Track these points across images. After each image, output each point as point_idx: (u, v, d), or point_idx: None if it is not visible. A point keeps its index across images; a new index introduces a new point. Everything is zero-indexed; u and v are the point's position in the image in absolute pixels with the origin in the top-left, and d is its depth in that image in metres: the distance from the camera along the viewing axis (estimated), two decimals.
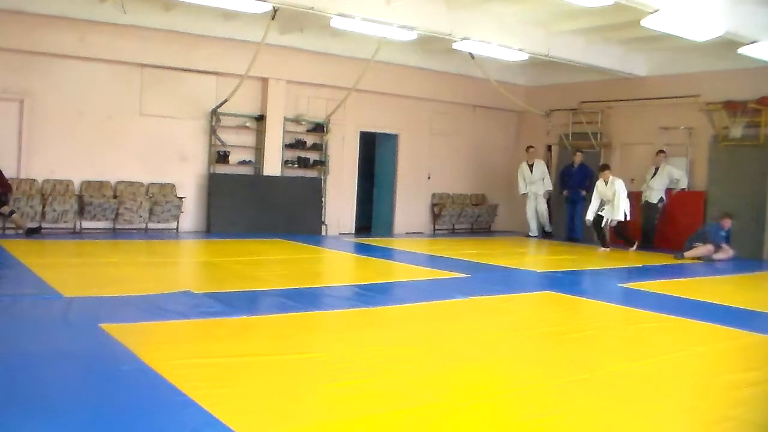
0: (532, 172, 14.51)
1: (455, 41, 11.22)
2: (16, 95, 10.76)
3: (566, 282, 8.65)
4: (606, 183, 12.34)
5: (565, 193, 14.02)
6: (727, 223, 11.49)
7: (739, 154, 12.27)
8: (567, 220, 14.12)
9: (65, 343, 4.43)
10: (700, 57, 12.25)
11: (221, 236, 11.69)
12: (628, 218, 12.10)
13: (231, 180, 12.63)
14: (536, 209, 14.61)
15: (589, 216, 12.31)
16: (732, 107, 12.36)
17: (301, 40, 12.48)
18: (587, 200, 13.83)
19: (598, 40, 12.38)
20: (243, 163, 12.89)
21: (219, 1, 9.45)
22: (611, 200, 12.00)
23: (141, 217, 11.51)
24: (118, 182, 11.68)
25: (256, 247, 10.63)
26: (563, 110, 15.05)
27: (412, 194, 15.09)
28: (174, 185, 12.19)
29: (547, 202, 15.00)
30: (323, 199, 13.65)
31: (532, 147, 14.64)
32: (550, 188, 14.67)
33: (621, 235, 12.29)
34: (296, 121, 13.38)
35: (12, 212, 10.22)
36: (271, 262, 9.21)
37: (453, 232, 15.62)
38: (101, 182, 11.51)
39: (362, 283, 7.57)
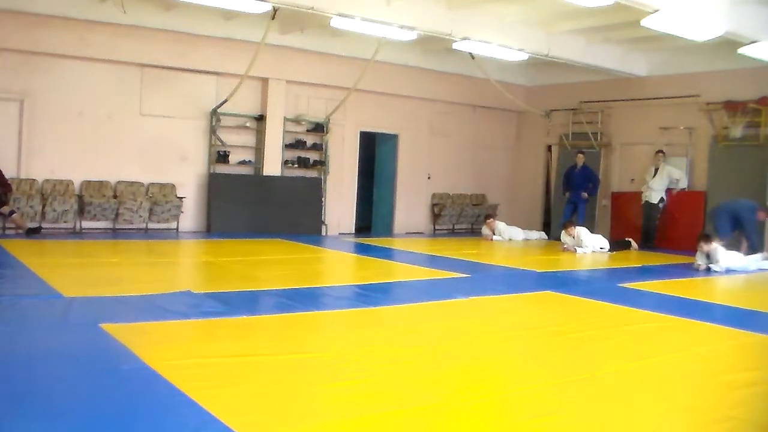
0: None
1: (455, 41, 11.22)
2: (16, 95, 10.77)
3: (566, 282, 8.64)
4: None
5: (567, 194, 13.98)
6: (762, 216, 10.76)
7: (739, 154, 12.28)
8: (563, 220, 14.06)
9: (65, 343, 4.42)
10: (700, 57, 12.25)
11: (221, 236, 11.69)
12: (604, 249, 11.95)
13: (231, 180, 12.63)
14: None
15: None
16: (732, 107, 12.37)
17: (301, 40, 12.49)
18: (588, 202, 13.86)
19: (598, 40, 12.38)
20: (243, 163, 12.89)
21: (219, 1, 9.45)
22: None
23: (141, 217, 11.51)
24: (118, 182, 11.68)
25: (256, 247, 10.63)
26: (563, 110, 15.06)
27: (412, 194, 15.09)
28: (174, 185, 12.19)
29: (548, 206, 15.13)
30: (323, 199, 13.65)
31: (490, 218, 13.90)
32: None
33: (616, 246, 12.16)
34: (296, 121, 13.39)
35: (12, 212, 10.23)
36: (271, 262, 9.21)
37: (453, 232, 15.63)
38: (101, 182, 11.52)
39: (362, 283, 7.56)
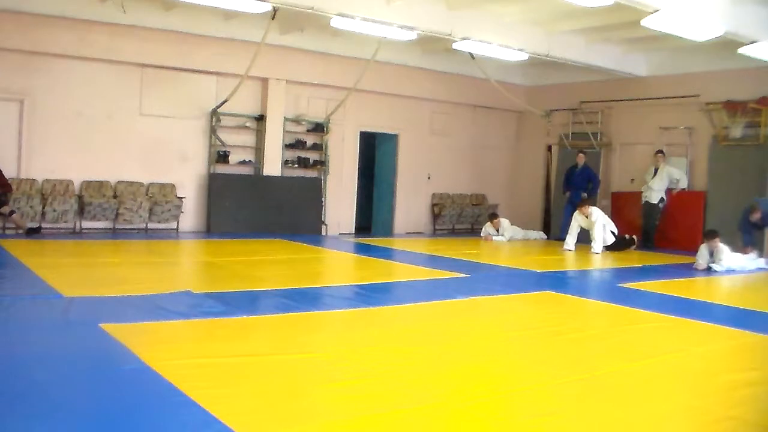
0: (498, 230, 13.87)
1: (455, 41, 11.22)
2: (16, 95, 10.77)
3: (566, 282, 8.65)
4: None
5: (567, 194, 13.97)
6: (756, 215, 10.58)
7: (739, 154, 12.28)
8: (564, 220, 14.03)
9: (65, 343, 4.42)
10: (700, 57, 12.25)
11: (221, 236, 11.69)
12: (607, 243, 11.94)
13: (231, 180, 12.63)
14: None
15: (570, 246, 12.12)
16: (732, 107, 12.36)
17: (301, 40, 12.49)
18: None
19: (598, 40, 12.38)
20: (243, 163, 12.89)
21: (219, 1, 9.45)
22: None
23: (141, 217, 11.51)
24: (118, 182, 11.68)
25: (256, 247, 10.63)
26: (563, 110, 15.05)
27: (412, 194, 15.09)
28: (174, 185, 12.19)
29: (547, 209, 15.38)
30: (323, 199, 13.65)
31: (496, 218, 13.73)
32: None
33: (618, 244, 12.13)
34: (296, 121, 13.39)
35: (12, 212, 10.23)
36: (271, 262, 9.21)
37: (453, 232, 15.62)
38: (101, 182, 11.52)
39: (362, 283, 7.57)
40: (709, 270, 9.61)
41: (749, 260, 10.19)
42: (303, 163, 13.51)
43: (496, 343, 5.11)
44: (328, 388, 3.72)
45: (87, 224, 11.35)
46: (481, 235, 13.85)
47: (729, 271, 9.62)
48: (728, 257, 9.73)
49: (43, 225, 10.74)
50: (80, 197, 11.15)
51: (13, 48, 10.48)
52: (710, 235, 9.86)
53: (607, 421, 3.45)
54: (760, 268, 10.07)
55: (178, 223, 12.13)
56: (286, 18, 11.00)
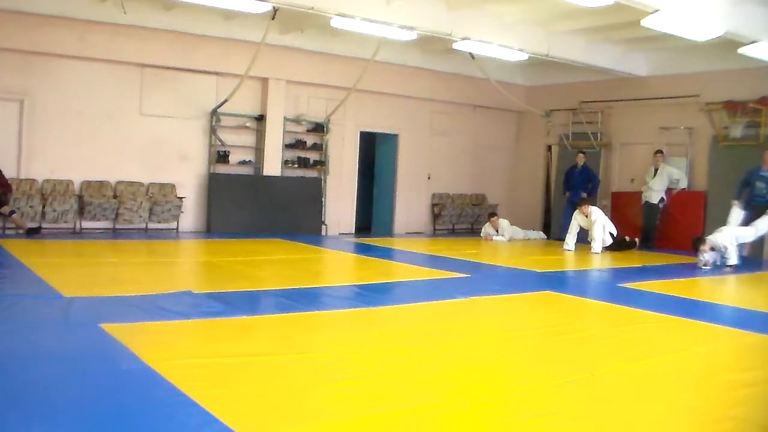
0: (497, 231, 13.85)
1: (455, 41, 11.22)
2: (16, 95, 10.77)
3: (566, 282, 8.65)
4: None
5: (567, 194, 13.96)
6: None
7: (739, 154, 12.26)
8: (564, 220, 14.00)
9: (65, 343, 4.42)
10: (700, 57, 12.24)
11: (221, 236, 11.69)
12: (608, 242, 11.94)
13: (231, 180, 12.63)
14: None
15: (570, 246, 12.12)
16: (732, 107, 12.37)
17: (301, 40, 12.49)
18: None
19: (598, 40, 12.37)
20: (243, 163, 12.89)
21: (219, 1, 9.45)
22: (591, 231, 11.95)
23: (141, 217, 11.51)
24: (118, 182, 11.68)
25: (256, 247, 10.63)
26: (563, 110, 15.05)
27: (412, 194, 15.09)
28: (174, 185, 12.19)
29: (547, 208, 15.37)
30: (323, 199, 13.65)
31: (494, 216, 13.78)
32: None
33: (618, 246, 12.11)
34: (296, 121, 13.39)
35: (12, 212, 10.23)
36: (271, 262, 9.21)
37: (453, 232, 15.63)
38: (101, 182, 11.52)
39: (362, 283, 7.57)
40: (719, 267, 9.67)
41: (741, 231, 10.21)
42: (303, 163, 13.51)
43: (496, 343, 5.11)
44: (328, 388, 3.72)
45: (87, 224, 11.35)
46: (481, 235, 13.86)
47: (739, 266, 9.70)
48: (727, 239, 9.81)
49: (43, 225, 10.75)
50: (80, 197, 11.15)
51: (13, 48, 10.48)
52: (701, 243, 9.99)
53: (607, 421, 3.45)
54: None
55: (178, 223, 12.13)
56: (286, 18, 11.00)
